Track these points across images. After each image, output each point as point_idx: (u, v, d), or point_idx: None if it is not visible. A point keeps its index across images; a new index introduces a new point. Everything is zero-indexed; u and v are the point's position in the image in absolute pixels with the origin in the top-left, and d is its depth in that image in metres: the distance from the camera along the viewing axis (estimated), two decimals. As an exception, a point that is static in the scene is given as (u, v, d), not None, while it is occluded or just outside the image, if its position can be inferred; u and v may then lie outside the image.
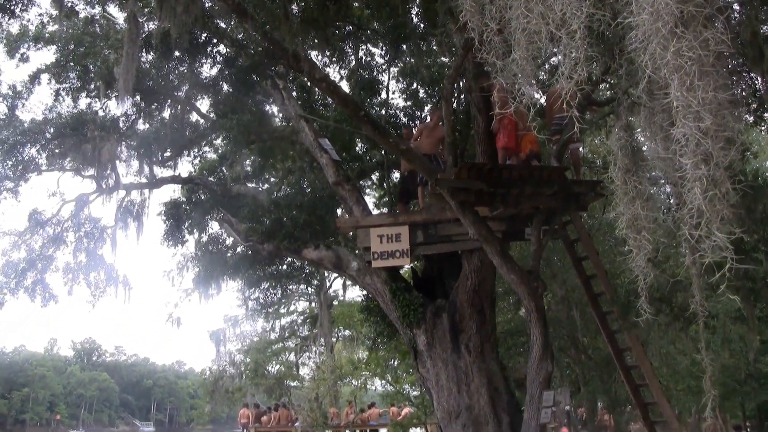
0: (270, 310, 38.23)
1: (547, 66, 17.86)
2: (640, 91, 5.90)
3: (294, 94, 19.62)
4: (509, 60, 6.35)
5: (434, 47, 19.47)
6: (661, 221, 7.00)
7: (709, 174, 4.76)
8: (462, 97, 18.00)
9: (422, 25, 18.18)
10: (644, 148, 7.06)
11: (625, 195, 6.67)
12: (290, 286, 30.86)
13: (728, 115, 4.89)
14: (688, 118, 4.72)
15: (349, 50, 20.52)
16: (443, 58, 20.01)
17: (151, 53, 18.07)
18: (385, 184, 21.17)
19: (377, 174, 22.63)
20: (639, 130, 7.01)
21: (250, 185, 22.27)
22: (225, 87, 18.85)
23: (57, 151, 20.71)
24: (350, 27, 19.25)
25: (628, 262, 6.86)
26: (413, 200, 16.40)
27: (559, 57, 5.97)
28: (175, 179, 21.84)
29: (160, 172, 22.16)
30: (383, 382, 42.21)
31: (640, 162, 6.80)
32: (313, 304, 42.70)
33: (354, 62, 20.61)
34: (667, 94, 5.20)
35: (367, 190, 25.29)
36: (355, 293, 39.06)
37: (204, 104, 21.45)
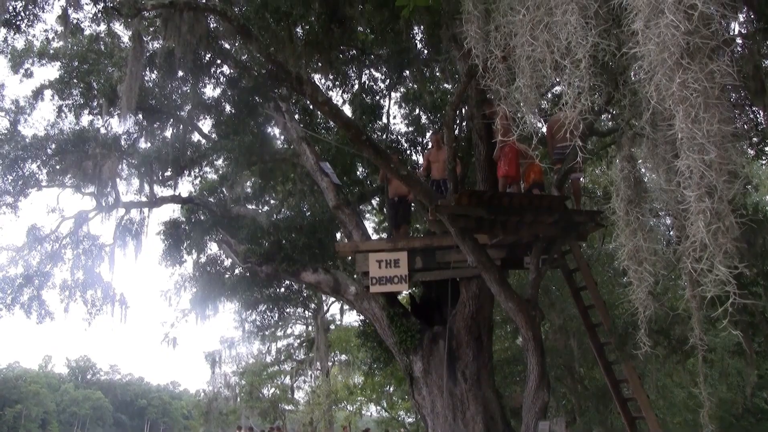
0: (266, 333, 38.13)
1: (549, 95, 17.91)
2: (644, 123, 5.88)
3: (296, 116, 19.65)
4: (513, 87, 6.34)
5: (437, 73, 19.55)
6: (661, 253, 6.96)
7: (712, 207, 4.73)
8: (464, 123, 18.02)
9: (426, 51, 18.23)
10: (646, 180, 7.03)
11: (627, 226, 6.63)
12: (287, 309, 30.74)
13: (731, 149, 4.87)
14: (693, 150, 4.69)
15: (352, 74, 20.58)
16: (446, 85, 20.08)
17: (155, 72, 18.12)
18: (384, 210, 21.14)
19: (377, 199, 22.63)
20: (641, 161, 6.98)
21: (250, 207, 22.23)
22: (227, 108, 18.85)
23: (58, 167, 20.66)
24: (354, 51, 19.33)
25: (628, 294, 6.81)
26: (405, 225, 16.41)
27: (563, 86, 5.95)
28: (175, 199, 21.79)
29: (160, 192, 22.14)
30: (378, 407, 42.19)
31: (642, 193, 6.77)
32: (310, 328, 42.64)
33: (357, 86, 20.65)
34: (670, 126, 5.19)
35: (367, 215, 25.31)
36: (352, 318, 39.15)
37: (206, 124, 21.47)
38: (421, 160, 18.98)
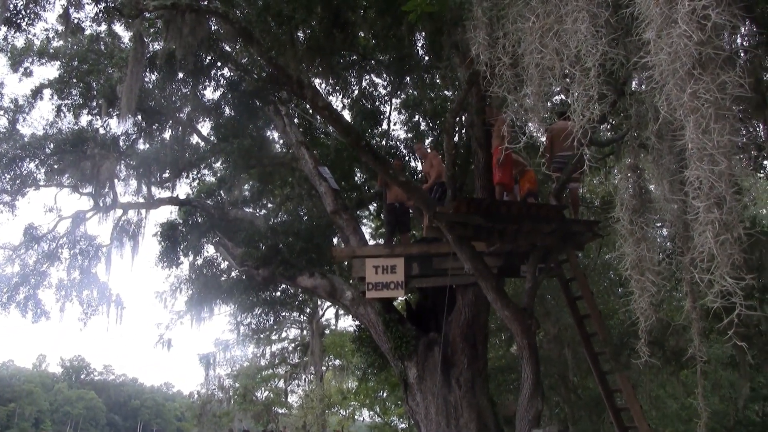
0: (261, 336, 38.21)
1: (548, 104, 17.88)
2: (650, 133, 5.88)
3: (295, 121, 19.65)
4: (520, 95, 6.34)
5: (438, 80, 19.54)
6: (663, 264, 6.94)
7: (721, 218, 4.72)
8: (464, 131, 18.02)
9: (427, 58, 18.23)
10: (650, 190, 7.01)
11: (631, 236, 6.60)
12: (283, 313, 30.75)
13: (738, 161, 4.87)
14: (703, 160, 4.68)
15: (353, 79, 20.58)
16: (446, 92, 20.06)
17: (155, 73, 18.09)
18: (382, 215, 21.15)
19: (375, 204, 22.62)
20: (646, 171, 6.96)
21: (247, 210, 22.23)
22: (227, 110, 18.86)
23: (56, 166, 20.65)
24: (355, 56, 19.33)
25: (630, 304, 6.79)
26: (405, 232, 16.41)
27: (571, 94, 5.92)
28: (172, 200, 21.79)
29: (158, 193, 22.18)
30: (371, 413, 42.21)
31: (647, 204, 6.75)
32: (305, 332, 42.68)
33: (357, 92, 20.66)
34: (676, 137, 5.18)
35: (364, 221, 25.30)
36: (347, 323, 39.16)
37: (205, 127, 21.48)
38: (420, 167, 19.01)
